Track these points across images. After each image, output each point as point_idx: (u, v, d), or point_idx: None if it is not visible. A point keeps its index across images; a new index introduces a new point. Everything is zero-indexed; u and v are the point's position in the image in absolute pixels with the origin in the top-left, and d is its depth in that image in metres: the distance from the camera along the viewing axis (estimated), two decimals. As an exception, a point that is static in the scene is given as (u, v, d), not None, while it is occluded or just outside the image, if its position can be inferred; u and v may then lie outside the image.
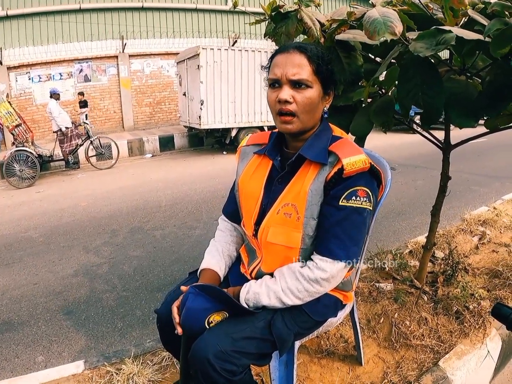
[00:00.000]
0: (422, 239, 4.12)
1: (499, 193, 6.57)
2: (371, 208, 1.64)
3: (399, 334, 2.70)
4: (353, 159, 1.57)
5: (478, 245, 4.20)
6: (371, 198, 1.62)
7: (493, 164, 9.76)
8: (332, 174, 1.60)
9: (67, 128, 10.96)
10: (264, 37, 2.57)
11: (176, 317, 1.64)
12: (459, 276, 3.32)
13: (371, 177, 1.64)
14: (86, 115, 14.74)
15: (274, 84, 1.62)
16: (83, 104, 14.91)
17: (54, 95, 11.07)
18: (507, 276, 3.36)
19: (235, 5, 2.67)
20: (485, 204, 5.87)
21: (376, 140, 10.43)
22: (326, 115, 1.75)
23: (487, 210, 5.36)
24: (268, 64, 1.72)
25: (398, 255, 3.78)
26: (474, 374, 2.52)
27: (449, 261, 3.34)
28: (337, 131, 1.81)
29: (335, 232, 1.60)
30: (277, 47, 1.78)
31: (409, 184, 8.07)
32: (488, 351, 2.62)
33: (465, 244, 4.21)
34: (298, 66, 1.57)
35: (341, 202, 1.58)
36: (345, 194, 1.58)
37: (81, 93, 14.84)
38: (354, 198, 1.58)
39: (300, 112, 1.60)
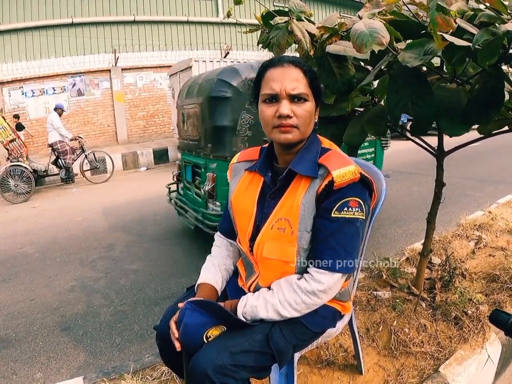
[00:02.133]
0: (418, 246, 4.13)
1: (494, 197, 6.58)
2: (363, 218, 1.65)
3: (398, 342, 2.70)
4: (342, 171, 1.58)
5: (475, 249, 4.21)
6: (363, 208, 1.63)
7: (487, 168, 9.80)
8: (323, 186, 1.61)
9: (71, 140, 11.06)
10: (257, 45, 2.60)
11: (175, 332, 1.64)
12: (457, 281, 3.32)
13: (362, 186, 1.65)
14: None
15: (271, 99, 1.62)
16: (19, 127, 13.96)
17: (59, 110, 11.07)
18: (505, 280, 3.37)
19: (228, 14, 2.70)
20: (480, 208, 5.90)
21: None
22: (316, 126, 1.76)
23: (483, 214, 5.37)
24: (256, 77, 1.72)
25: (395, 262, 3.78)
26: (475, 379, 2.52)
27: (446, 267, 3.35)
28: (326, 142, 1.82)
29: (330, 243, 1.61)
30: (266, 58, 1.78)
31: (404, 191, 8.09)
32: (488, 356, 2.62)
33: (462, 249, 4.22)
34: (296, 80, 1.59)
35: (333, 214, 1.59)
36: (337, 205, 1.59)
37: (17, 116, 14.02)
38: (346, 209, 1.59)
39: (300, 125, 1.61)
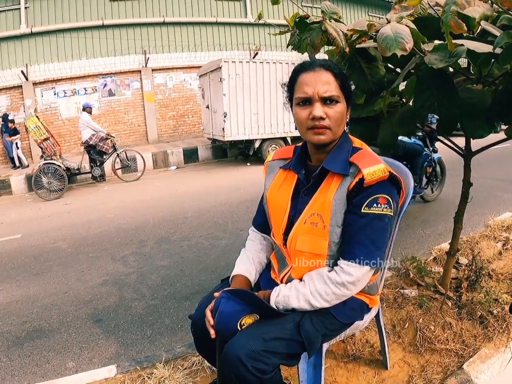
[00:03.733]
0: (446, 245, 4.14)
1: (523, 199, 6.53)
2: (392, 214, 1.72)
3: (423, 339, 2.73)
4: (372, 169, 1.66)
5: (502, 250, 4.20)
6: (392, 205, 1.70)
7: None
8: (353, 184, 1.69)
9: (106, 135, 11.34)
10: (287, 47, 2.66)
11: (210, 320, 1.73)
12: (483, 281, 3.33)
13: (391, 184, 1.72)
14: (17, 143, 14.37)
15: (305, 102, 1.71)
16: (14, 131, 14.42)
17: (87, 109, 11.33)
18: (531, 281, 3.38)
19: (259, 17, 2.77)
20: (509, 209, 5.86)
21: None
22: (348, 125, 1.85)
23: (511, 216, 5.35)
24: (289, 81, 1.82)
25: (422, 261, 3.80)
26: (498, 378, 2.53)
27: (473, 267, 3.36)
28: (356, 142, 1.90)
29: (359, 238, 1.69)
30: (299, 60, 1.85)
31: (432, 192, 8.04)
32: (512, 355, 2.64)
33: (489, 250, 4.21)
34: (328, 83, 1.67)
35: (363, 209, 1.67)
36: (367, 202, 1.67)
37: (12, 121, 14.38)
38: (375, 205, 1.67)
39: (333, 126, 1.71)
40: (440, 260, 3.93)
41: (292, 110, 1.82)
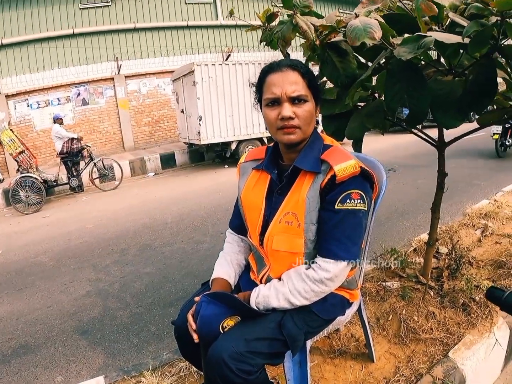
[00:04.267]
0: (425, 236, 4.15)
1: (499, 185, 6.63)
2: (365, 209, 1.74)
3: (408, 330, 2.75)
4: (343, 165, 1.68)
5: (481, 237, 4.26)
6: (365, 199, 1.72)
7: (492, 157, 9.82)
8: (326, 181, 1.71)
9: (77, 138, 11.24)
10: (260, 43, 2.67)
11: (192, 324, 1.73)
12: (464, 269, 3.37)
13: (363, 179, 1.74)
14: None
15: (273, 102, 1.72)
16: None
17: (58, 120, 11.25)
18: (511, 265, 3.42)
19: (231, 13, 2.78)
20: (486, 197, 5.94)
21: (375, 143, 10.55)
22: (317, 124, 1.86)
23: (488, 203, 5.42)
24: (257, 83, 1.83)
25: (403, 253, 3.84)
26: (484, 363, 2.57)
27: (453, 256, 3.40)
28: (327, 139, 1.92)
29: (334, 234, 1.70)
30: (272, 60, 1.85)
31: (410, 184, 8.15)
32: (496, 340, 2.66)
33: (468, 238, 4.27)
34: (295, 83, 1.68)
35: (337, 206, 1.69)
36: (340, 198, 1.68)
37: None
38: (348, 201, 1.68)
39: (302, 125, 1.72)
40: (420, 251, 3.97)
41: (261, 111, 1.83)
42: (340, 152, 1.78)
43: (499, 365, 2.83)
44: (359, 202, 1.70)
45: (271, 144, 2.00)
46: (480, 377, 2.57)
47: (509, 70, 2.13)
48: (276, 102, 1.71)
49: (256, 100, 1.88)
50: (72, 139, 11.06)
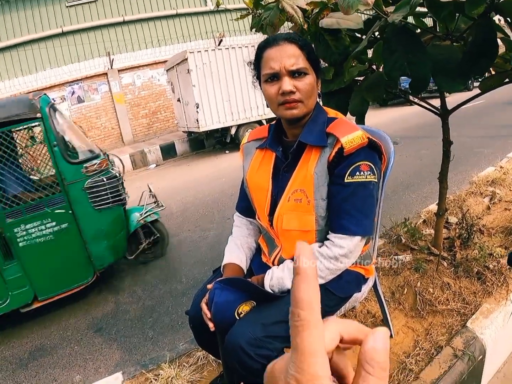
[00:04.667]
0: (434, 207, 4.13)
1: (504, 152, 6.57)
2: (376, 180, 1.69)
3: (424, 302, 2.73)
4: (350, 137, 1.62)
5: (490, 205, 4.22)
6: (375, 171, 1.67)
7: (494, 124, 9.75)
8: (333, 154, 1.65)
9: None
10: (251, 30, 2.62)
11: (207, 313, 1.70)
12: (475, 237, 3.34)
13: (371, 150, 1.69)
14: None
15: (273, 78, 1.66)
16: None
17: None
18: (522, 231, 3.39)
19: (218, 4, 2.73)
20: (491, 164, 5.89)
21: (374, 117, 10.47)
22: (320, 97, 1.81)
23: (494, 170, 5.36)
24: (255, 59, 1.77)
25: (413, 225, 3.80)
26: (503, 331, 2.55)
27: (463, 225, 3.37)
28: (331, 112, 1.86)
29: (346, 208, 1.65)
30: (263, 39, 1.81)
31: (414, 156, 8.09)
32: (514, 306, 2.65)
33: (477, 206, 4.23)
34: (294, 56, 1.62)
35: (346, 179, 1.64)
36: (349, 171, 1.63)
37: None
38: (358, 173, 1.63)
39: (304, 98, 1.66)
40: (430, 222, 3.93)
41: (261, 88, 1.77)
42: (345, 123, 1.72)
43: (517, 332, 2.82)
44: (369, 174, 1.65)
45: (273, 122, 1.95)
46: (499, 346, 2.55)
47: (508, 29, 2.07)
48: (275, 77, 1.66)
49: (255, 78, 1.83)
50: None
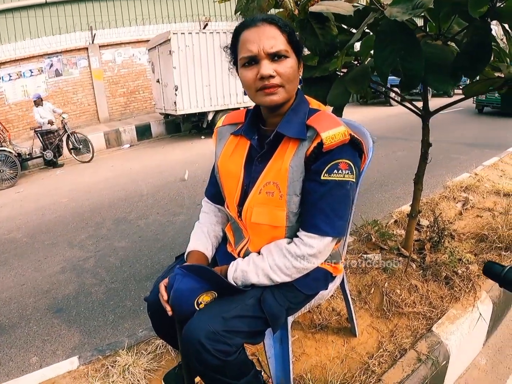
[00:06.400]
0: (406, 208, 4.14)
1: (479, 160, 6.62)
2: (354, 180, 1.59)
3: (390, 303, 2.71)
4: (332, 133, 1.52)
5: (462, 211, 4.24)
6: (354, 170, 1.58)
7: (471, 132, 9.88)
8: (311, 149, 1.55)
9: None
10: (235, 13, 2.53)
11: (164, 294, 1.61)
12: (446, 242, 3.34)
13: (352, 148, 1.59)
14: None
15: (250, 61, 1.54)
16: None
17: (37, 100, 11.12)
18: (493, 239, 3.40)
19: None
20: (467, 170, 5.92)
21: (354, 114, 10.50)
22: (301, 83, 1.71)
23: (469, 176, 5.41)
24: (231, 43, 1.65)
25: (384, 225, 3.78)
26: (468, 337, 2.55)
27: (435, 228, 3.35)
28: (314, 103, 1.75)
29: (320, 207, 1.57)
30: None
31: (390, 155, 8.14)
32: (480, 314, 2.64)
33: (449, 211, 4.25)
34: (273, 38, 1.50)
35: (323, 176, 1.54)
36: (327, 168, 1.54)
37: None
38: (336, 171, 1.54)
39: (285, 83, 1.54)
40: (401, 223, 3.93)
41: (238, 74, 1.66)
42: (328, 117, 1.62)
43: (481, 340, 2.83)
44: (347, 173, 1.55)
45: (251, 107, 1.84)
46: (463, 352, 2.54)
47: (509, 31, 2.03)
48: (253, 60, 1.52)
49: (231, 63, 1.70)
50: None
